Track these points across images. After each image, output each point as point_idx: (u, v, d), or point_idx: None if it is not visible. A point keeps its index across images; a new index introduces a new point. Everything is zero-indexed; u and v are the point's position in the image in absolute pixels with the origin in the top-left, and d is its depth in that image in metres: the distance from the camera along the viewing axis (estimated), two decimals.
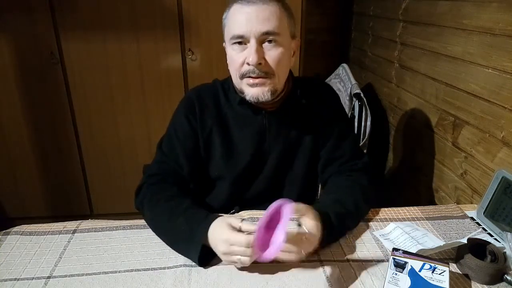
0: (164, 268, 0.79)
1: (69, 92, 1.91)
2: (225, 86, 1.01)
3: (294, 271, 0.78)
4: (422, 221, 0.96)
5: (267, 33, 0.84)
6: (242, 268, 0.78)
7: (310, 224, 0.76)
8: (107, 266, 0.80)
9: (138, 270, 0.79)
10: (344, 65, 1.92)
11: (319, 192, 1.25)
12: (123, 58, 1.87)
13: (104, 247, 0.86)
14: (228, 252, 0.74)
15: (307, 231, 0.75)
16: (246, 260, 0.74)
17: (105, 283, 0.75)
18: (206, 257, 0.79)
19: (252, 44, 0.85)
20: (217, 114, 0.99)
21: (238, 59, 0.88)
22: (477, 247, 0.79)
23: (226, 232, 0.75)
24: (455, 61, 1.33)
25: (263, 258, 0.72)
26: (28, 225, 0.94)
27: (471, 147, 1.25)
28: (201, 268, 0.79)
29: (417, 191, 1.64)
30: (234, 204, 1.04)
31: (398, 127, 1.81)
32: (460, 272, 0.78)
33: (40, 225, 0.94)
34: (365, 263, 0.80)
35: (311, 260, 0.81)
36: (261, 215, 0.94)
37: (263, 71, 0.87)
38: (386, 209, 1.01)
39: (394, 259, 0.75)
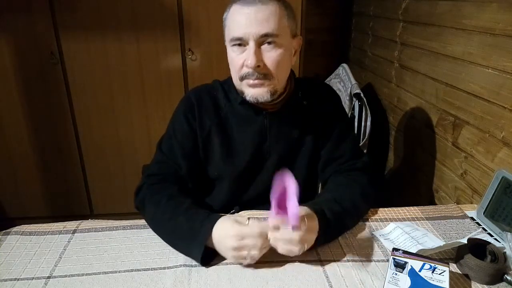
0: (164, 268, 0.79)
1: (69, 92, 1.91)
2: (225, 86, 1.01)
3: (294, 271, 0.78)
4: (422, 221, 0.96)
5: (265, 35, 0.84)
6: (242, 268, 0.78)
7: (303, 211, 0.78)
8: (107, 266, 0.80)
9: (138, 270, 0.79)
10: (344, 65, 1.92)
11: (319, 191, 1.25)
12: (123, 58, 1.87)
13: (104, 247, 0.86)
14: (239, 246, 0.75)
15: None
16: (256, 254, 0.75)
17: (105, 283, 0.75)
18: (208, 257, 0.79)
19: (251, 47, 0.84)
20: (216, 115, 0.99)
21: (238, 61, 0.88)
22: (477, 247, 0.79)
23: (235, 227, 0.76)
24: (455, 61, 1.33)
25: (289, 221, 0.72)
26: (28, 225, 0.94)
27: (471, 147, 1.25)
28: (201, 268, 0.79)
29: (417, 191, 1.64)
30: (234, 204, 1.04)
31: (398, 127, 1.81)
32: (460, 272, 0.78)
33: (40, 225, 0.94)
34: (365, 263, 0.80)
35: (311, 260, 0.81)
36: (261, 215, 0.94)
37: (262, 73, 0.87)
38: (386, 209, 1.01)
39: (394, 259, 0.75)
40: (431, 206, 1.03)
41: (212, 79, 1.06)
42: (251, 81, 0.88)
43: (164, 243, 0.86)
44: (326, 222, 0.82)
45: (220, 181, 1.03)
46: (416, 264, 0.73)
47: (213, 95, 1.00)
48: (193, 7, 1.82)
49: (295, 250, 0.76)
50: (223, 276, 0.77)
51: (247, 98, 0.91)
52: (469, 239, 0.80)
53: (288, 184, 0.72)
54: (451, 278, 0.71)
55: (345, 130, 1.05)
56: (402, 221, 0.96)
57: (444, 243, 0.82)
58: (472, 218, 0.97)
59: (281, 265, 0.79)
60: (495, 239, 0.89)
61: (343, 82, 1.83)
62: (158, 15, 1.82)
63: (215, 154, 1.00)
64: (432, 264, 0.73)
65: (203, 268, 0.79)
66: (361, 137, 1.61)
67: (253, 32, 0.83)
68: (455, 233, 0.91)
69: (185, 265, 0.80)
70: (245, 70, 0.87)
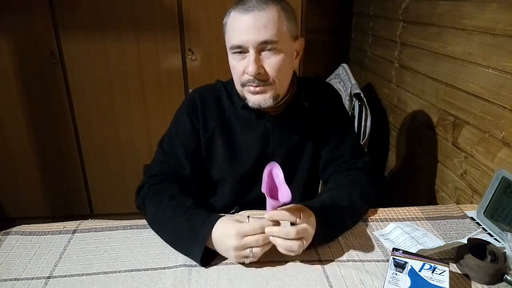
0: (164, 268, 0.79)
1: (69, 92, 1.92)
2: (228, 88, 1.01)
3: (294, 271, 0.78)
4: (422, 221, 0.96)
5: (265, 42, 0.83)
6: (242, 268, 0.78)
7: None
8: (107, 266, 0.80)
9: (138, 270, 0.79)
10: (344, 65, 1.92)
11: (319, 190, 1.25)
12: (123, 58, 1.87)
13: (104, 247, 0.86)
14: (240, 245, 0.75)
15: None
16: (258, 251, 0.75)
17: (105, 283, 0.75)
18: (207, 258, 0.79)
19: (251, 54, 0.84)
20: (220, 116, 0.98)
21: (239, 68, 0.87)
22: (477, 247, 0.78)
23: (236, 226, 0.76)
24: (455, 61, 1.33)
25: (279, 204, 0.74)
26: (28, 225, 0.94)
27: (471, 147, 1.25)
28: (201, 268, 0.79)
29: (417, 191, 1.64)
30: (235, 204, 1.04)
31: (398, 127, 1.81)
32: (460, 272, 0.78)
33: (40, 225, 0.94)
34: (365, 263, 0.80)
35: (311, 260, 0.81)
36: (261, 215, 0.94)
37: (263, 79, 0.86)
38: (386, 209, 1.01)
39: (394, 259, 0.75)
40: (431, 206, 1.03)
41: (212, 79, 1.06)
42: (252, 88, 0.88)
43: (164, 243, 0.86)
44: (323, 218, 0.82)
45: (222, 182, 1.03)
46: (416, 264, 0.73)
47: (216, 96, 1.00)
48: (193, 7, 1.82)
49: (294, 246, 0.75)
50: (223, 276, 0.77)
51: (250, 104, 0.91)
52: (469, 239, 0.80)
53: (276, 174, 0.74)
54: (451, 278, 0.71)
55: (346, 130, 1.05)
56: (402, 221, 0.96)
57: (444, 243, 0.82)
58: (472, 218, 0.97)
59: (281, 265, 0.79)
60: (495, 239, 0.89)
61: (343, 82, 1.83)
62: (158, 15, 1.82)
63: (218, 156, 0.99)
64: (432, 264, 0.73)
65: (203, 268, 0.79)
66: (361, 137, 1.61)
67: (252, 40, 0.83)
68: (455, 233, 0.91)
69: (185, 265, 0.80)
70: (246, 77, 0.87)
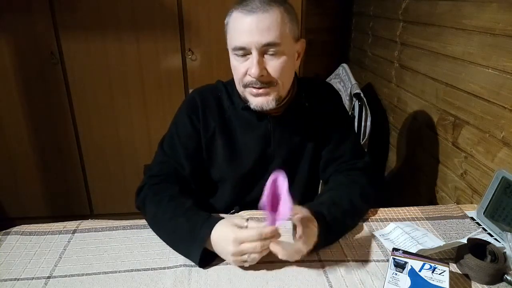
0: (164, 268, 0.79)
1: (69, 92, 1.92)
2: (229, 89, 1.00)
3: (294, 271, 0.78)
4: (422, 221, 0.96)
5: (268, 44, 0.83)
6: (242, 269, 0.78)
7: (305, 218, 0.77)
8: (107, 266, 0.80)
9: (138, 270, 0.79)
10: (344, 65, 1.92)
11: (320, 191, 1.25)
12: (123, 58, 1.87)
13: (104, 247, 0.86)
14: (238, 251, 0.74)
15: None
16: (256, 257, 0.74)
17: (105, 283, 0.75)
18: (207, 259, 0.79)
19: (254, 56, 0.83)
20: (220, 116, 0.98)
21: (241, 69, 0.87)
22: (477, 247, 0.79)
23: (234, 232, 0.75)
24: (455, 61, 1.33)
25: (278, 219, 0.72)
26: (28, 225, 0.94)
27: (471, 147, 1.25)
28: (201, 268, 0.79)
29: (417, 191, 1.64)
30: (235, 204, 1.04)
31: (398, 127, 1.81)
32: (460, 272, 0.78)
33: (40, 225, 0.94)
34: (365, 263, 0.80)
35: (311, 260, 0.81)
36: (261, 215, 0.94)
37: (265, 81, 0.86)
38: (386, 209, 1.01)
39: (394, 259, 0.75)
40: (431, 206, 1.03)
41: (212, 79, 1.06)
42: (254, 90, 0.88)
43: (164, 243, 0.86)
44: (326, 226, 0.82)
45: (222, 183, 1.03)
46: (416, 264, 0.73)
47: (217, 96, 1.00)
48: (193, 7, 1.82)
49: (296, 256, 0.75)
50: (223, 276, 0.77)
51: (252, 106, 0.90)
52: (469, 239, 0.80)
53: (281, 185, 0.71)
54: (451, 278, 0.71)
55: (346, 130, 1.05)
56: (402, 221, 0.96)
57: (444, 243, 0.82)
58: (472, 218, 0.97)
59: (281, 265, 0.79)
60: (495, 239, 0.89)
61: (343, 82, 1.83)
62: (158, 15, 1.82)
63: (219, 156, 0.99)
64: (432, 264, 0.73)
65: (203, 268, 0.79)
66: (361, 137, 1.61)
67: (255, 42, 0.82)
68: (455, 233, 0.91)
69: (185, 265, 0.80)
70: (249, 78, 0.87)
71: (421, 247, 0.80)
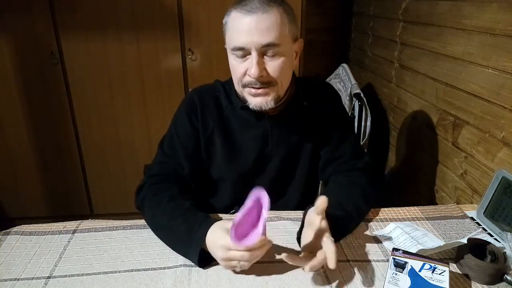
0: (164, 268, 0.79)
1: (69, 92, 1.92)
2: (227, 88, 1.00)
3: (294, 271, 0.78)
4: (422, 221, 0.96)
5: (267, 45, 0.83)
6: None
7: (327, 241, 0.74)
8: (107, 266, 0.80)
9: (138, 270, 0.79)
10: (344, 65, 1.92)
11: (319, 191, 1.24)
12: (123, 58, 1.87)
13: (104, 247, 0.86)
14: (226, 257, 0.74)
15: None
16: (245, 265, 0.74)
17: (105, 283, 0.75)
18: (205, 259, 0.79)
19: (253, 57, 0.83)
20: (219, 116, 0.98)
21: (240, 69, 0.87)
22: (477, 247, 0.78)
23: (224, 237, 0.74)
24: (455, 61, 1.33)
25: (240, 244, 0.70)
26: (28, 225, 0.94)
27: (471, 147, 1.25)
28: (201, 268, 0.79)
29: (417, 191, 1.64)
30: (235, 204, 1.04)
31: (398, 127, 1.81)
32: (460, 272, 0.78)
33: (40, 225, 0.94)
34: (365, 263, 0.80)
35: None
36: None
37: (265, 82, 0.86)
38: (386, 209, 1.01)
39: (394, 259, 0.75)
40: (431, 206, 1.03)
41: (212, 79, 1.06)
42: (253, 90, 0.88)
43: (164, 243, 0.86)
44: (332, 229, 0.80)
45: (222, 182, 1.03)
46: (416, 264, 0.73)
47: (215, 95, 1.00)
48: (193, 7, 1.82)
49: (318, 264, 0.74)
50: (223, 276, 0.77)
51: (251, 106, 0.90)
52: (469, 239, 0.80)
53: (263, 206, 0.69)
54: (451, 278, 0.71)
55: (346, 130, 1.05)
56: (402, 221, 0.96)
57: (444, 243, 0.82)
58: (472, 218, 0.97)
59: (281, 265, 0.79)
60: (495, 239, 0.89)
61: (343, 82, 1.83)
62: (158, 15, 1.82)
63: (217, 155, 1.00)
64: (432, 264, 0.73)
65: (203, 268, 0.79)
66: (361, 137, 1.61)
67: (255, 42, 0.82)
68: (455, 233, 0.91)
69: (185, 265, 0.80)
70: (248, 78, 0.86)
71: (421, 247, 0.80)
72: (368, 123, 1.58)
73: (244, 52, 0.85)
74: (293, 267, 0.78)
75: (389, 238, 0.88)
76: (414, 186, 1.67)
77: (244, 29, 0.82)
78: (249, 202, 0.71)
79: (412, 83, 1.65)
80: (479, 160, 1.21)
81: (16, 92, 1.89)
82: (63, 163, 2.05)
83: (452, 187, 1.37)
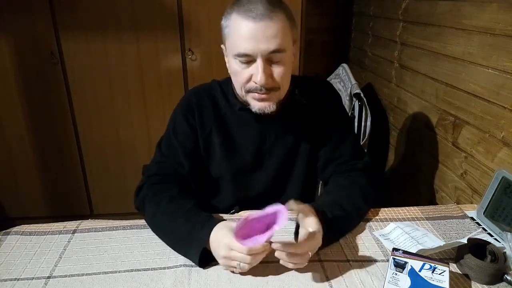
0: (164, 268, 0.79)
1: (69, 92, 1.91)
2: (224, 88, 1.01)
3: (294, 271, 0.78)
4: (422, 221, 0.96)
5: (274, 52, 0.82)
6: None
7: (310, 220, 0.76)
8: (107, 266, 0.80)
9: (138, 270, 0.79)
10: (344, 65, 1.92)
11: (319, 191, 1.24)
12: (123, 58, 1.87)
13: (104, 247, 0.86)
14: (227, 256, 0.74)
15: (310, 229, 0.75)
16: (245, 267, 0.74)
17: (105, 283, 0.75)
18: (206, 259, 0.79)
19: (260, 64, 0.82)
20: (216, 115, 0.99)
21: (244, 75, 0.86)
22: (477, 247, 0.79)
23: (228, 236, 0.75)
24: (455, 61, 1.33)
25: (241, 242, 0.71)
26: (28, 225, 0.94)
27: (471, 147, 1.25)
28: (201, 268, 0.79)
29: (417, 191, 1.64)
30: (235, 204, 1.05)
31: (398, 127, 1.81)
32: (460, 272, 0.78)
33: (40, 225, 0.94)
34: (365, 263, 0.80)
35: (311, 260, 0.80)
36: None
37: (269, 87, 0.86)
38: (386, 209, 1.01)
39: (394, 259, 0.75)
40: (431, 206, 1.03)
41: (212, 79, 1.06)
42: (257, 95, 0.87)
43: (164, 243, 0.86)
44: (328, 228, 0.81)
45: (221, 181, 1.04)
46: (416, 264, 0.73)
47: (211, 95, 1.00)
48: (193, 7, 1.82)
49: (301, 262, 0.75)
50: (223, 276, 0.77)
51: (253, 109, 0.90)
52: (469, 239, 0.80)
53: (279, 221, 0.70)
54: (451, 278, 0.71)
55: (346, 130, 1.05)
56: (402, 221, 0.96)
57: (444, 243, 0.82)
58: (472, 218, 0.97)
59: (281, 265, 0.78)
60: (495, 239, 0.89)
61: (343, 82, 1.82)
62: (158, 15, 1.82)
63: (216, 153, 1.00)
64: (432, 264, 0.73)
65: (203, 268, 0.79)
66: (361, 137, 1.61)
67: (261, 50, 0.81)
68: (455, 233, 0.91)
69: (185, 265, 0.80)
70: (253, 85, 0.86)
71: (421, 247, 0.80)
72: (368, 123, 1.58)
73: (249, 58, 0.83)
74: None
75: (389, 238, 0.88)
76: (414, 186, 1.67)
77: (250, 36, 0.81)
78: (266, 210, 0.72)
79: (412, 83, 1.65)
80: (479, 160, 1.21)
81: (16, 92, 1.89)
82: (63, 163, 2.05)
83: (452, 187, 1.37)
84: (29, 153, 2.01)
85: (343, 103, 1.30)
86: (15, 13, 1.76)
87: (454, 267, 0.79)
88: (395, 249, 0.77)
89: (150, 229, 0.90)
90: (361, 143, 1.58)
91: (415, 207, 1.01)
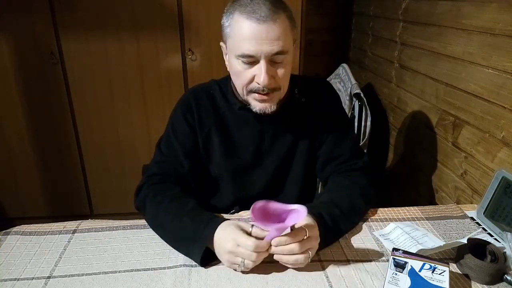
0: (164, 268, 0.79)
1: (69, 92, 1.92)
2: (223, 87, 1.01)
3: (294, 271, 0.78)
4: (422, 221, 0.96)
5: (277, 53, 0.82)
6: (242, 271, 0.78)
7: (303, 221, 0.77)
8: (107, 266, 0.80)
9: (138, 270, 0.79)
10: (344, 65, 1.92)
11: (318, 191, 1.24)
12: (123, 58, 1.87)
13: (104, 247, 0.86)
14: (233, 251, 0.74)
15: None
16: (249, 264, 0.74)
17: (105, 283, 0.75)
18: (207, 259, 0.79)
19: (263, 65, 0.83)
20: (215, 115, 0.99)
21: (246, 75, 0.86)
22: (477, 247, 0.79)
23: (236, 232, 0.75)
24: (455, 61, 1.33)
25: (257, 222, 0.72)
26: (28, 225, 0.94)
27: (471, 147, 1.25)
28: (201, 268, 0.79)
29: (417, 191, 1.64)
30: (235, 203, 1.05)
31: (398, 127, 1.81)
32: (460, 272, 0.78)
33: (40, 225, 0.94)
34: (365, 263, 0.80)
35: (311, 260, 0.81)
36: None
37: (271, 87, 0.86)
38: (386, 209, 1.01)
39: (394, 259, 0.75)
40: (431, 206, 1.03)
41: (211, 79, 1.06)
42: (258, 96, 0.88)
43: (164, 243, 0.86)
44: (325, 227, 0.82)
45: (220, 180, 1.04)
46: (416, 264, 0.73)
47: (210, 94, 1.00)
48: (193, 7, 1.82)
49: (300, 259, 0.75)
50: (223, 276, 0.77)
51: (254, 110, 0.91)
52: (469, 239, 0.80)
53: (292, 218, 0.72)
54: (451, 278, 0.71)
55: (345, 130, 1.05)
56: (402, 221, 0.96)
57: (444, 243, 0.82)
58: (472, 218, 0.97)
59: (281, 265, 0.79)
60: (495, 239, 0.89)
61: (343, 82, 1.82)
62: (158, 15, 1.82)
63: (216, 153, 1.00)
64: (432, 264, 0.73)
65: (203, 268, 0.79)
66: (361, 137, 1.61)
67: (265, 51, 0.81)
68: (455, 233, 0.91)
69: (185, 265, 0.80)
70: (255, 85, 0.86)
71: (421, 247, 0.80)
72: (368, 123, 1.58)
73: (252, 59, 0.83)
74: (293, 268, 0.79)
75: (389, 238, 0.88)
76: (414, 186, 1.67)
77: (254, 37, 0.81)
78: (289, 206, 0.73)
79: (412, 83, 1.65)
80: (479, 160, 1.21)
81: (16, 92, 1.89)
82: (63, 163, 2.05)
83: (452, 187, 1.37)
84: (29, 153, 2.01)
85: (343, 103, 1.31)
86: (15, 13, 1.76)
87: (454, 267, 0.79)
88: (395, 249, 0.77)
89: (150, 229, 0.90)
90: (361, 143, 1.58)
91: (415, 207, 1.01)
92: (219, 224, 0.79)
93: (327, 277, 0.77)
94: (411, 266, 0.73)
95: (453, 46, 1.34)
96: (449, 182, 1.39)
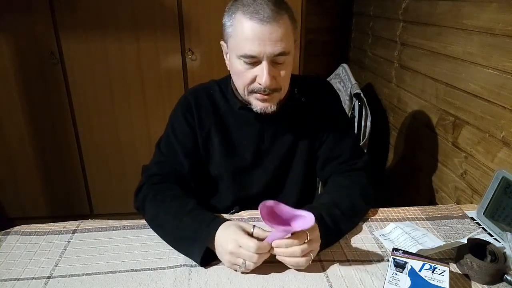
0: (164, 268, 0.79)
1: (69, 92, 1.92)
2: (222, 87, 1.01)
3: (294, 271, 0.78)
4: (422, 221, 0.96)
5: (279, 54, 0.82)
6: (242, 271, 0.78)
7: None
8: (107, 266, 0.80)
9: (138, 270, 0.79)
10: (344, 65, 1.92)
11: (319, 190, 1.24)
12: (123, 58, 1.87)
13: (104, 247, 0.86)
14: (235, 252, 0.74)
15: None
16: (250, 266, 0.75)
17: (105, 283, 0.75)
18: (207, 259, 0.79)
19: (265, 66, 0.83)
20: (215, 114, 0.99)
21: (248, 75, 0.86)
22: (477, 247, 0.79)
23: (237, 233, 0.75)
24: (455, 61, 1.33)
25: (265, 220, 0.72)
26: (28, 225, 0.94)
27: (471, 147, 1.25)
28: (201, 268, 0.79)
29: (417, 191, 1.64)
30: (235, 204, 1.05)
31: (398, 127, 1.81)
32: (460, 272, 0.78)
33: (40, 225, 0.94)
34: (365, 263, 0.80)
35: (311, 260, 0.81)
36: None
37: (273, 88, 0.86)
38: (386, 209, 1.01)
39: (394, 259, 0.75)
40: (431, 206, 1.03)
41: (210, 79, 1.06)
42: (260, 96, 0.88)
43: (164, 243, 0.86)
44: (325, 229, 0.82)
45: (220, 180, 1.04)
46: (416, 264, 0.73)
47: (210, 94, 1.00)
48: (193, 7, 1.82)
49: (301, 262, 0.75)
50: (223, 276, 0.77)
51: (256, 110, 0.91)
52: (469, 239, 0.80)
53: (300, 223, 0.72)
54: (451, 278, 0.71)
55: (345, 129, 1.05)
56: (402, 221, 0.96)
57: (444, 243, 0.82)
58: (472, 218, 0.97)
59: (281, 265, 0.79)
60: (495, 239, 0.89)
61: (343, 82, 1.83)
62: (158, 15, 1.82)
63: (216, 153, 1.00)
64: (432, 264, 0.73)
65: (203, 268, 0.79)
66: (361, 137, 1.61)
67: (267, 52, 0.81)
68: (455, 233, 0.91)
69: (185, 265, 0.80)
70: (256, 86, 0.86)
71: (421, 247, 0.80)
72: (368, 123, 1.58)
73: (254, 60, 0.83)
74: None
75: (389, 238, 0.88)
76: (414, 186, 1.67)
77: (257, 38, 0.80)
78: (297, 211, 0.74)
79: (412, 83, 1.65)
80: (479, 160, 1.21)
81: (16, 92, 1.89)
82: (63, 163, 2.05)
83: (452, 187, 1.37)
84: (29, 153, 2.01)
85: (343, 103, 1.30)
86: (15, 13, 1.76)
87: (454, 267, 0.79)
88: (395, 249, 0.77)
89: (150, 229, 0.90)
90: (361, 143, 1.59)
91: (415, 207, 1.01)
92: (221, 224, 0.79)
93: (327, 277, 0.77)
94: (411, 266, 0.73)
95: (453, 46, 1.34)
96: (449, 182, 1.39)
